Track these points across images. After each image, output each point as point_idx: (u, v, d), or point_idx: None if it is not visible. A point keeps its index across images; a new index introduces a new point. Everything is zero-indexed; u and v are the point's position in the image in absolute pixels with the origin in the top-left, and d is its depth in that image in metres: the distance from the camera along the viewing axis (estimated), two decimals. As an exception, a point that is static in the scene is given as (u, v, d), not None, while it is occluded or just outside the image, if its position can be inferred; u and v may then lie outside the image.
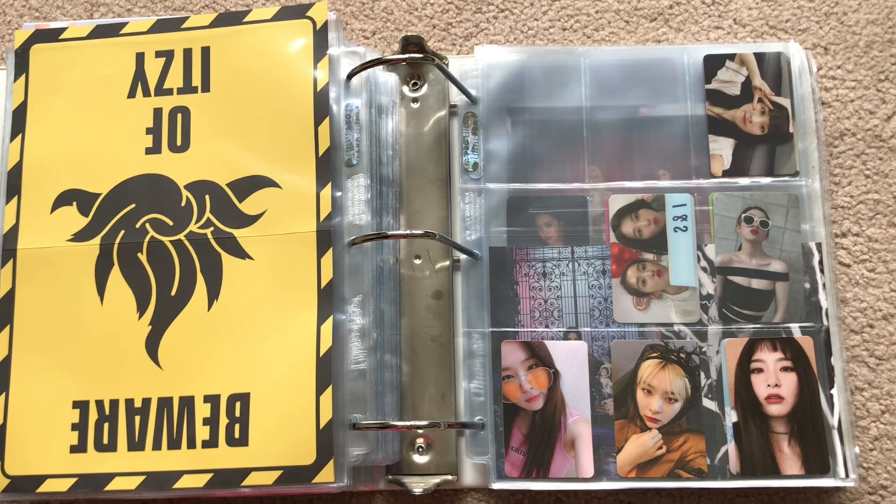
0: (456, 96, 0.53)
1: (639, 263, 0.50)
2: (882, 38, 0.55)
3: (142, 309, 0.48)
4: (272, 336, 0.47)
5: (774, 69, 0.52)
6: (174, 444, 0.46)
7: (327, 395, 0.45)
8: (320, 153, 0.48)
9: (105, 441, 0.47)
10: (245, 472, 0.45)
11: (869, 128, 0.54)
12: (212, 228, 0.49)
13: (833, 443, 0.48)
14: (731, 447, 0.48)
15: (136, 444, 0.47)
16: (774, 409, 0.48)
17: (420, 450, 0.50)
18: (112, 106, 0.51)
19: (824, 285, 0.50)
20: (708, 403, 0.49)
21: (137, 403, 0.47)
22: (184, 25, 0.52)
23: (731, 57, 0.53)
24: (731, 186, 0.51)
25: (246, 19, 0.51)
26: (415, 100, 0.54)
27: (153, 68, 0.51)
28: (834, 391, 0.48)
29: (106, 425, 0.47)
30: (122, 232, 0.49)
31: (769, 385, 0.49)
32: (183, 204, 0.49)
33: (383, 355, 0.49)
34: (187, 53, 0.51)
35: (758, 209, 0.51)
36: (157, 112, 0.50)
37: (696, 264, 0.50)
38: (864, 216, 0.53)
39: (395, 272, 0.51)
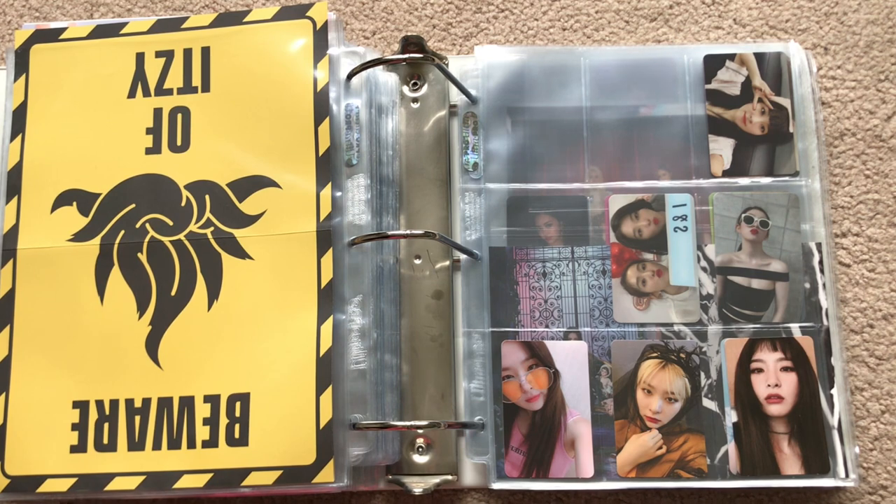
0: (456, 96, 0.53)
1: (639, 263, 0.50)
2: (882, 38, 0.55)
3: (142, 309, 0.48)
4: (272, 336, 0.47)
5: (774, 69, 0.52)
6: (174, 444, 0.46)
7: (327, 395, 0.45)
8: (320, 153, 0.48)
9: (105, 441, 0.47)
10: (245, 472, 0.45)
11: (869, 128, 0.54)
12: (212, 228, 0.49)
13: (833, 443, 0.48)
14: (731, 447, 0.48)
15: (136, 444, 0.47)
16: (774, 409, 0.48)
17: (420, 450, 0.50)
18: (112, 106, 0.51)
19: (824, 285, 0.50)
20: (708, 403, 0.49)
21: (137, 403, 0.47)
22: (184, 25, 0.52)
23: (731, 57, 0.53)
24: (731, 186, 0.51)
25: (246, 19, 0.51)
26: (415, 100, 0.54)
27: (153, 68, 0.51)
28: (834, 391, 0.48)
29: (106, 425, 0.47)
30: (122, 232, 0.49)
31: (769, 385, 0.49)
32: (183, 204, 0.49)
33: (383, 355, 0.49)
34: (187, 53, 0.51)
35: (758, 209, 0.51)
36: (157, 112, 0.50)
37: (696, 264, 0.50)
38: (864, 216, 0.53)
39: (395, 272, 0.51)
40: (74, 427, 0.47)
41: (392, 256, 0.51)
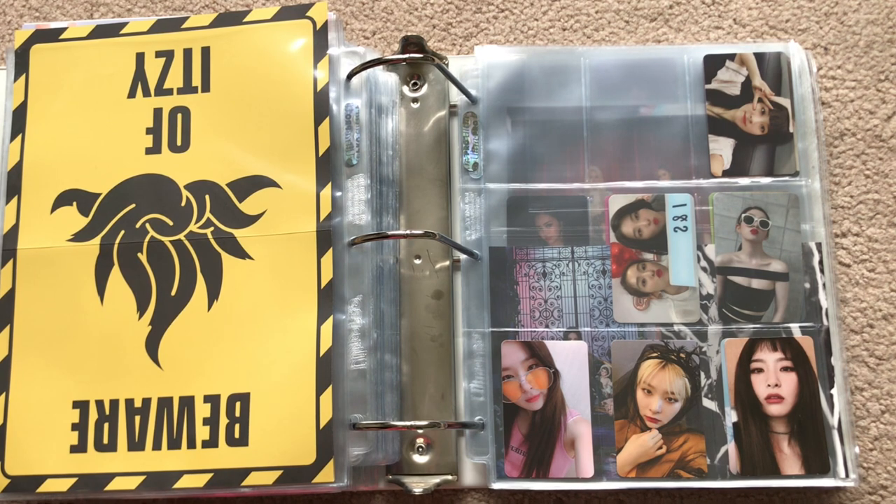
0: (456, 96, 0.53)
1: (639, 263, 0.50)
2: (882, 38, 0.55)
3: (142, 309, 0.48)
4: (272, 336, 0.47)
5: (774, 69, 0.52)
6: (174, 444, 0.46)
7: (327, 395, 0.45)
8: (320, 153, 0.48)
9: (105, 441, 0.47)
10: (245, 472, 0.45)
11: (869, 128, 0.54)
12: (212, 228, 0.49)
13: (833, 443, 0.48)
14: (731, 447, 0.48)
15: (136, 444, 0.47)
16: (774, 409, 0.48)
17: (420, 450, 0.50)
18: (112, 106, 0.51)
19: (824, 285, 0.50)
20: (708, 403, 0.49)
21: (137, 403, 0.47)
22: (184, 25, 0.52)
23: (731, 57, 0.53)
24: (731, 186, 0.51)
25: (246, 19, 0.51)
26: (415, 100, 0.54)
27: (153, 68, 0.51)
28: (834, 391, 0.48)
29: (106, 425, 0.47)
30: (122, 232, 0.49)
31: (769, 385, 0.49)
32: (183, 204, 0.49)
33: (383, 355, 0.49)
34: (187, 53, 0.51)
35: (758, 209, 0.51)
36: (157, 112, 0.50)
37: (696, 264, 0.50)
38: (864, 216, 0.53)
39: (395, 272, 0.51)
40: (74, 427, 0.47)
41: (392, 256, 0.51)
